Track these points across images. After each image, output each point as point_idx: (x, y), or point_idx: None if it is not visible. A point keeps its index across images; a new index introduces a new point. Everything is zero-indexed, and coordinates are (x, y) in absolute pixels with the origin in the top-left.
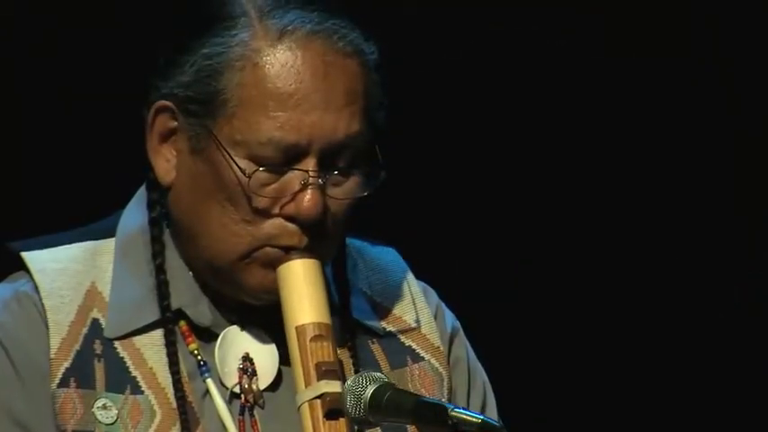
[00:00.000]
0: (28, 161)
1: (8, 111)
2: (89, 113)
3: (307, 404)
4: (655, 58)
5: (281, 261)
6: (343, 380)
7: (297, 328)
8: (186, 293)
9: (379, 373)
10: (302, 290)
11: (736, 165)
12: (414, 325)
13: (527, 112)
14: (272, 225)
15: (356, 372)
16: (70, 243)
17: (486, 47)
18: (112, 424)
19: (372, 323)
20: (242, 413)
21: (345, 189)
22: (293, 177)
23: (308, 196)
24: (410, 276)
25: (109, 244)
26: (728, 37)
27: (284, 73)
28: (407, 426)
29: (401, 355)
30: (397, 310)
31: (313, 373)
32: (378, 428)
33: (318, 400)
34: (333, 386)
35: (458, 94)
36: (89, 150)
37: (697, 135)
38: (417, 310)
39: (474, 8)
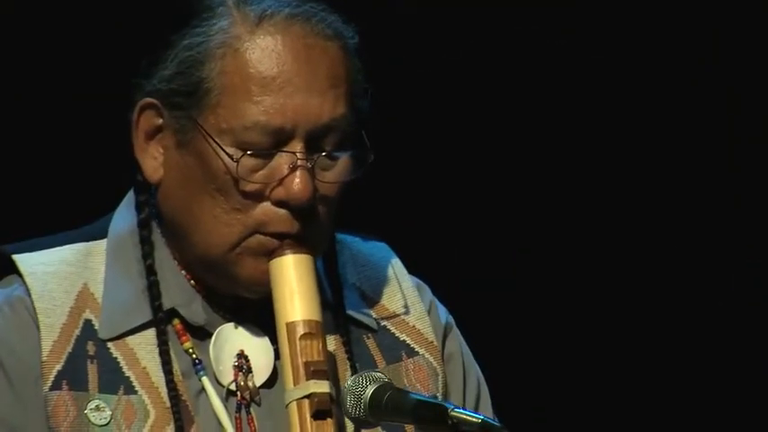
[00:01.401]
0: (27, 161)
1: (8, 110)
2: (88, 113)
3: (294, 403)
4: (654, 58)
5: (272, 250)
6: (337, 377)
7: (287, 324)
8: (179, 293)
9: (379, 373)
10: (293, 286)
11: (736, 165)
12: (407, 320)
13: (526, 111)
14: (263, 212)
15: (353, 367)
16: (62, 245)
17: (485, 47)
18: (106, 425)
19: (366, 318)
20: (238, 410)
21: (334, 172)
22: (281, 162)
23: (297, 179)
24: (402, 271)
25: (100, 245)
26: (728, 37)
27: (265, 57)
28: (405, 426)
29: (396, 351)
30: (389, 305)
31: (302, 372)
32: (378, 428)
33: (306, 400)
34: (321, 386)
35: (457, 93)
36: (88, 150)
37: (697, 135)
38: (410, 305)
39: (474, 8)
